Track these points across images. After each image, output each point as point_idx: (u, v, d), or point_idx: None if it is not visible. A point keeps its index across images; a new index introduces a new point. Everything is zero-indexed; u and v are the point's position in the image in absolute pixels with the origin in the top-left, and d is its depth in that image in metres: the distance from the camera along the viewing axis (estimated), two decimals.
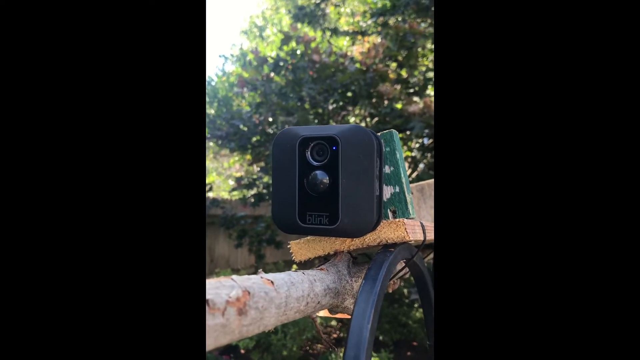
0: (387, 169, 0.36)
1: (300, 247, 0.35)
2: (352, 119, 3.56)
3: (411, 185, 0.63)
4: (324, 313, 0.37)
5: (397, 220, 0.33)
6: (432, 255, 0.65)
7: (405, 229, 0.33)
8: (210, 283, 0.20)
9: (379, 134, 0.35)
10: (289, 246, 0.37)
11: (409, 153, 3.44)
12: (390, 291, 0.50)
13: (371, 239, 0.33)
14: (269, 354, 3.46)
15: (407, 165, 3.29)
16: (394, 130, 0.37)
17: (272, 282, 0.24)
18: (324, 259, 0.35)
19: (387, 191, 0.36)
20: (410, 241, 0.34)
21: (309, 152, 0.32)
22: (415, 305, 3.76)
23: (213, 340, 0.18)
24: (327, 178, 0.31)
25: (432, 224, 0.49)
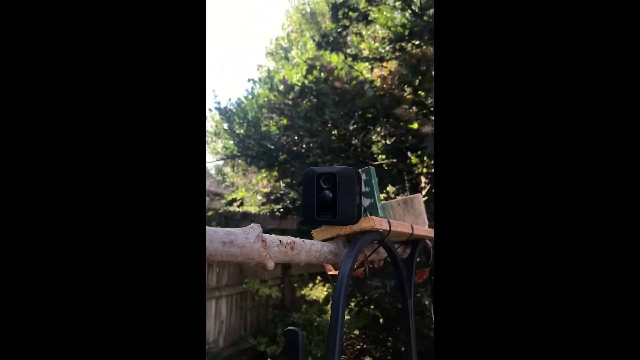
0: (365, 189, 0.65)
1: (317, 233, 0.65)
2: (373, 136, 3.83)
3: (397, 199, 0.92)
4: (329, 270, 0.66)
5: (370, 217, 0.62)
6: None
7: (374, 222, 0.61)
8: (279, 236, 0.49)
9: (360, 169, 0.65)
10: (312, 235, 0.66)
11: (425, 170, 3.67)
12: (376, 266, 0.78)
13: (355, 227, 0.62)
14: None
15: (423, 179, 3.51)
16: (371, 167, 0.66)
17: (303, 241, 0.54)
18: (331, 239, 0.65)
19: (366, 202, 0.65)
20: (379, 229, 0.63)
21: (321, 181, 0.61)
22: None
23: (281, 256, 0.47)
24: (331, 194, 0.60)
25: (410, 224, 0.77)
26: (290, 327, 0.42)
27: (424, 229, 0.84)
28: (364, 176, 0.66)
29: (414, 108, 3.27)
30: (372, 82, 3.50)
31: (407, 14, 4.59)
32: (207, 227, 0.37)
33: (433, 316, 1.09)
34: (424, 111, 3.33)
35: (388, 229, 0.65)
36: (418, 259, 0.88)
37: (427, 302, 3.86)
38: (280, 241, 0.46)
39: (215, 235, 0.36)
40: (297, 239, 0.51)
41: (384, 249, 0.69)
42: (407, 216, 0.91)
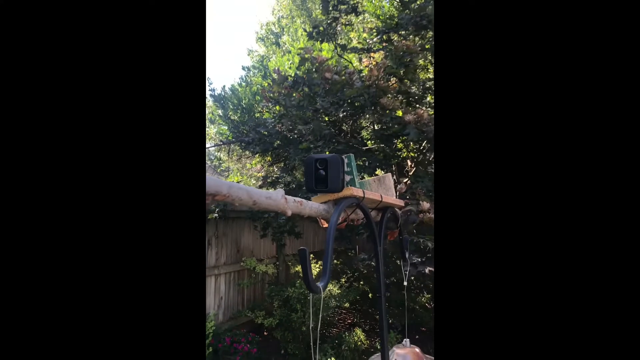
0: (347, 169, 0.96)
1: (316, 198, 0.95)
2: (362, 122, 4.12)
3: (373, 177, 1.22)
4: (323, 224, 0.97)
5: (350, 187, 0.92)
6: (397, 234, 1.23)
7: (352, 190, 0.92)
8: (293, 197, 0.80)
9: (344, 155, 0.95)
10: (311, 200, 0.97)
11: (412, 154, 3.98)
12: (356, 224, 1.09)
13: (340, 194, 0.92)
14: (290, 332, 4.05)
15: (410, 162, 3.82)
16: (351, 154, 0.97)
17: (308, 202, 0.85)
18: (324, 202, 0.96)
19: (347, 178, 0.96)
20: (356, 196, 0.94)
21: (317, 164, 0.91)
22: (423, 295, 4.27)
23: (295, 208, 0.77)
24: (324, 173, 0.90)
25: (380, 194, 1.08)
26: (301, 247, 0.72)
27: (392, 199, 1.15)
28: (346, 160, 0.96)
29: (399, 97, 3.55)
30: (360, 72, 3.76)
31: (395, 3, 4.83)
32: (252, 188, 0.67)
33: (405, 274, 1.41)
34: (409, 99, 3.63)
35: (362, 195, 0.96)
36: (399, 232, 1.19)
37: (412, 279, 4.21)
38: (294, 200, 0.76)
39: (260, 193, 0.66)
40: (304, 200, 0.81)
41: (360, 210, 1.00)
42: (380, 189, 1.22)
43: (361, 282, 4.92)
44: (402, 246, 1.33)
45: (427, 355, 1.32)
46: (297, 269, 4.69)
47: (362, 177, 2.86)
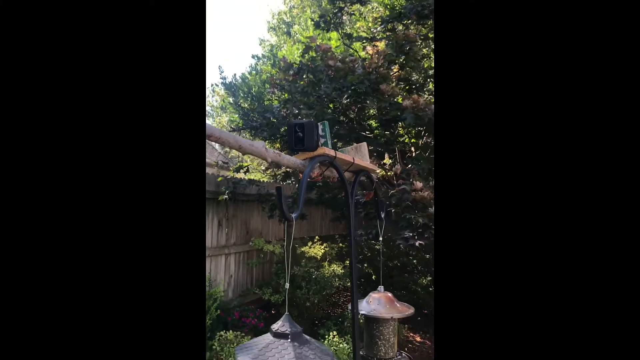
0: (322, 134, 1.21)
1: (297, 156, 1.21)
2: (366, 110, 4.34)
3: (350, 146, 1.47)
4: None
5: (323, 147, 1.17)
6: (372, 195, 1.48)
7: (325, 150, 1.17)
8: (259, 141, 1.05)
9: (319, 122, 1.20)
10: (296, 156, 1.23)
11: (413, 140, 4.19)
12: (331, 181, 1.34)
13: (314, 153, 1.17)
14: (295, 307, 4.34)
15: (412, 148, 4.03)
16: (326, 122, 1.21)
17: (286, 155, 1.10)
18: (303, 159, 1.21)
19: (322, 140, 1.21)
20: (328, 154, 1.19)
21: (297, 128, 1.17)
22: (425, 278, 4.49)
23: (274, 158, 1.03)
24: (302, 135, 1.16)
25: (352, 157, 1.33)
26: (277, 186, 0.97)
27: (364, 162, 1.40)
28: (321, 126, 1.22)
29: (401, 84, 3.76)
30: (364, 60, 3.98)
31: None
32: (239, 137, 0.93)
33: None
34: (410, 87, 3.83)
35: (334, 155, 1.21)
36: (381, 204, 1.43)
37: (415, 262, 4.42)
38: (274, 151, 1.02)
39: (245, 141, 0.91)
40: (282, 153, 1.07)
41: (334, 168, 1.25)
42: (357, 156, 1.47)
43: (365, 265, 5.18)
44: (377, 207, 1.58)
45: (400, 301, 1.57)
46: (303, 249, 4.98)
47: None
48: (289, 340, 0.95)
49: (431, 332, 4.44)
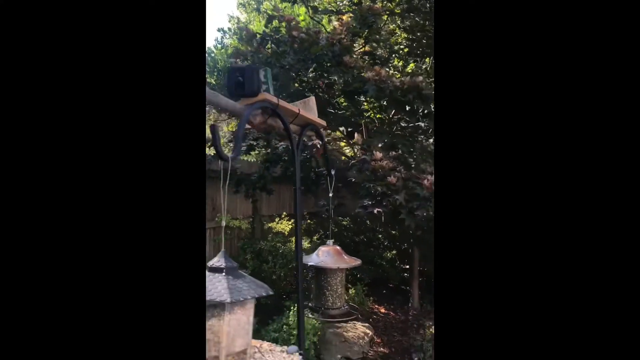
0: (264, 80, 1.22)
1: (240, 102, 1.21)
2: (337, 86, 4.33)
3: (299, 101, 1.49)
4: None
5: (264, 93, 1.19)
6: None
7: (266, 96, 1.18)
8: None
9: (261, 69, 1.21)
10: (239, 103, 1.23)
11: (378, 115, 4.23)
12: (276, 131, 1.36)
13: (256, 99, 1.18)
14: (262, 281, 4.38)
15: (377, 122, 4.07)
16: (268, 68, 1.22)
17: (234, 103, 1.11)
18: (247, 105, 1.22)
19: (264, 87, 1.22)
20: (270, 100, 1.20)
21: (237, 73, 1.17)
22: (389, 252, 4.59)
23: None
24: (242, 79, 1.16)
25: (298, 108, 1.35)
26: (212, 124, 0.98)
27: (310, 115, 1.42)
28: (262, 72, 1.23)
29: (366, 58, 3.78)
30: (329, 33, 3.96)
31: None
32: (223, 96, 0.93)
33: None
34: (375, 61, 3.85)
35: (276, 102, 1.23)
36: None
37: (380, 237, 4.51)
38: (211, 91, 1.02)
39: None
40: (220, 94, 1.07)
41: (277, 117, 1.27)
42: (306, 110, 1.49)
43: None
44: (327, 164, 1.61)
45: (347, 255, 1.62)
46: (270, 225, 5.00)
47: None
48: (224, 274, 0.97)
49: (395, 304, 4.58)
